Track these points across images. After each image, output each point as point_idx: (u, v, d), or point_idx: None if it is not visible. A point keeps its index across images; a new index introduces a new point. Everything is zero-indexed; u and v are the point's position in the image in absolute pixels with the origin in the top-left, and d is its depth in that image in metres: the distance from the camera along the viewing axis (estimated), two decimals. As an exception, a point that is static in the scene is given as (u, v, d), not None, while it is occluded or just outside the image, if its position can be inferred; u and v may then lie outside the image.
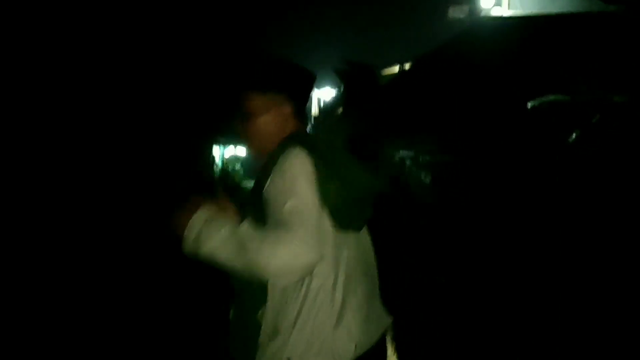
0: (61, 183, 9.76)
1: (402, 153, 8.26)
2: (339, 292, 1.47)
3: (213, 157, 24.40)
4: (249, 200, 1.60)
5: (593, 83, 5.61)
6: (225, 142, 26.18)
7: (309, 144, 1.53)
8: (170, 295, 5.60)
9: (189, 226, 1.48)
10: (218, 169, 24.42)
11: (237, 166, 27.24)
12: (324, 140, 1.57)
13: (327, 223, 1.44)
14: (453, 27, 11.12)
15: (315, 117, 30.24)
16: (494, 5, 7.66)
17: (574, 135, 5.48)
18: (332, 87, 20.39)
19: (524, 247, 5.31)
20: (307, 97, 1.72)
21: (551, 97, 5.57)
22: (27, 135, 9.51)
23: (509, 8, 7.53)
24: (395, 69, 11.01)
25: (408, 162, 8.13)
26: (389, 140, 8.01)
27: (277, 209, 1.40)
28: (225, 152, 27.27)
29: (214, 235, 1.42)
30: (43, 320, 4.81)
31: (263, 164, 1.60)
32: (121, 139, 12.18)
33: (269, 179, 1.50)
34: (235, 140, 29.09)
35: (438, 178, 7.38)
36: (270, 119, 1.64)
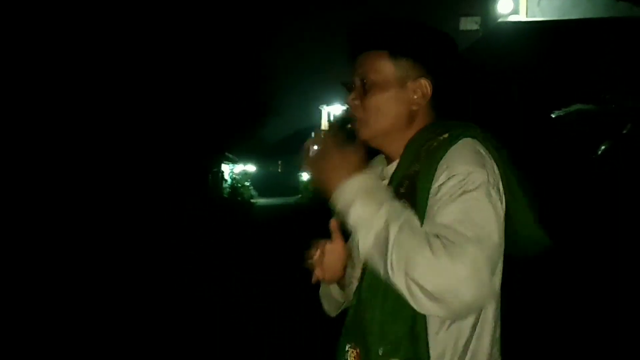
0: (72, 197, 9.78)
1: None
2: (497, 328, 1.17)
3: (222, 174, 24.24)
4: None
5: (622, 91, 5.25)
6: (234, 159, 26.06)
7: (496, 146, 1.16)
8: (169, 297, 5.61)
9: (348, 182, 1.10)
10: (227, 185, 24.24)
11: (247, 182, 27.06)
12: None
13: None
14: (466, 38, 10.84)
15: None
16: (512, 12, 7.34)
17: (602, 147, 5.13)
18: (342, 104, 20.25)
19: (543, 267, 4.96)
20: (451, 78, 1.26)
21: (577, 107, 5.20)
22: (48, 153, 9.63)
23: (527, 15, 7.21)
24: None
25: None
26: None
27: (459, 219, 1.02)
28: (235, 169, 27.12)
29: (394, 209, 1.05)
30: (43, 319, 4.83)
31: (405, 162, 1.20)
32: (130, 155, 12.12)
33: (434, 176, 1.11)
34: (244, 157, 29.02)
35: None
36: (400, 95, 1.22)
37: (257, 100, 19.63)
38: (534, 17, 7.16)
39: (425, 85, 1.22)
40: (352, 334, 1.19)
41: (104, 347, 4.20)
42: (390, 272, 1.00)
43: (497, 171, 1.11)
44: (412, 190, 1.13)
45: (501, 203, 1.08)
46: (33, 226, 8.12)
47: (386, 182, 1.23)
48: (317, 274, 1.30)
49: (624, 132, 5.12)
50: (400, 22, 1.27)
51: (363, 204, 1.07)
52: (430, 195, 1.09)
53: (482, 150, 1.12)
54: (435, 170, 1.10)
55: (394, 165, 1.24)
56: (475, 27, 10.94)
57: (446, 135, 1.15)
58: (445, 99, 1.26)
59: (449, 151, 1.11)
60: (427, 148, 1.15)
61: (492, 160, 1.12)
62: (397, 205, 1.07)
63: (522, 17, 7.25)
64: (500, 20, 7.35)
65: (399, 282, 0.99)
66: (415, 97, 1.22)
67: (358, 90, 1.25)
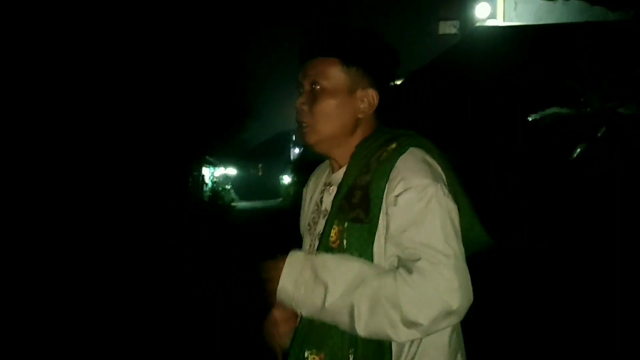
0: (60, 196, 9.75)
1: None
2: (456, 331, 1.23)
3: (203, 177, 24.07)
4: (336, 214, 1.20)
5: (597, 95, 5.33)
6: (214, 162, 25.91)
7: (439, 153, 1.23)
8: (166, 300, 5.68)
9: (286, 271, 1.19)
10: (208, 189, 24.08)
11: (228, 186, 26.92)
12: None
13: None
14: (444, 43, 10.95)
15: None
16: (489, 17, 7.43)
17: (578, 150, 5.20)
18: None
19: (520, 271, 5.02)
20: (390, 92, 1.30)
21: (553, 110, 5.27)
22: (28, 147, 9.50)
23: (504, 20, 7.30)
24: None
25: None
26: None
27: (436, 236, 1.09)
28: (216, 172, 26.96)
29: (333, 279, 1.12)
30: (42, 320, 4.84)
31: (352, 169, 1.22)
32: (108, 158, 11.98)
33: (387, 186, 1.15)
34: (224, 160, 28.88)
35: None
36: (348, 103, 1.24)
37: (237, 103, 19.54)
38: (511, 21, 7.26)
39: (372, 95, 1.25)
40: (313, 340, 1.20)
41: (104, 348, 4.20)
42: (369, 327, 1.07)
43: (445, 180, 1.17)
44: (365, 200, 1.16)
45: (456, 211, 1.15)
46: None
47: (334, 188, 1.26)
48: (283, 346, 1.34)
49: (599, 135, 5.20)
50: (355, 31, 1.28)
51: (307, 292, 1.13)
52: (388, 205, 1.13)
53: (429, 159, 1.18)
54: (388, 180, 1.14)
55: (340, 173, 1.27)
56: (453, 31, 11.05)
57: (394, 145, 1.20)
58: (388, 109, 1.30)
59: (398, 160, 1.16)
60: (377, 158, 1.19)
61: (440, 169, 1.19)
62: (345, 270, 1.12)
63: (499, 21, 7.35)
64: (477, 24, 7.43)
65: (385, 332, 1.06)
66: (362, 105, 1.25)
67: (307, 94, 1.27)
